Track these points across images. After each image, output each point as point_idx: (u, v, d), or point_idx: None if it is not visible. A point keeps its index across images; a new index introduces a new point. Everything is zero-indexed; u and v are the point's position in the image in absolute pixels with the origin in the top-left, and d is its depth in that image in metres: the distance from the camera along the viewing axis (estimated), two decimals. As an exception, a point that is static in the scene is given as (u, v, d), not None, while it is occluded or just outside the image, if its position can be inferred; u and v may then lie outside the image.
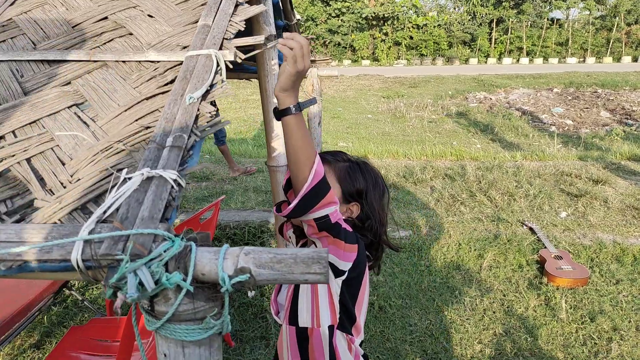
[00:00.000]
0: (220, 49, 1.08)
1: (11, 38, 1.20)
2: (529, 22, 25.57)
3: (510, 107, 11.72)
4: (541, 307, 3.27)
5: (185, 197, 5.31)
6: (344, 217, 1.38)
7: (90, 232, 0.70)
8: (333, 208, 1.14)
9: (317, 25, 25.91)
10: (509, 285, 3.55)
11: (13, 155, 0.88)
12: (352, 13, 25.73)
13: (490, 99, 12.92)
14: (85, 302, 3.26)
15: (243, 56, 1.09)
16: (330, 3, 26.26)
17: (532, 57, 24.72)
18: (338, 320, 1.33)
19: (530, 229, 4.37)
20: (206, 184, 5.84)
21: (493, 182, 5.50)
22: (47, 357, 2.29)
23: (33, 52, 1.13)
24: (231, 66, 1.07)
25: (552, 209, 4.88)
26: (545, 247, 3.94)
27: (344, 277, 1.28)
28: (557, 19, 26.35)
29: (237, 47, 1.11)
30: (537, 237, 4.17)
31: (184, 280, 0.69)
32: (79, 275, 0.70)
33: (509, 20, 25.48)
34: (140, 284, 0.67)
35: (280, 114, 1.09)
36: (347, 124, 10.04)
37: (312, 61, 3.57)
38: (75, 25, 1.24)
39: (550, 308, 3.24)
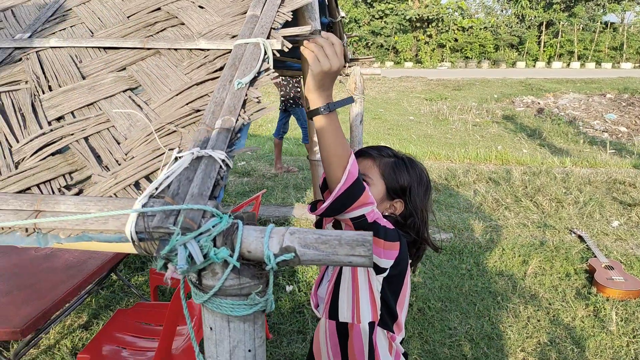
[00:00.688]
0: (268, 38, 1.09)
1: (71, 26, 1.26)
2: (581, 26, 24.57)
3: (560, 112, 11.29)
4: (589, 317, 3.13)
5: (226, 191, 5.42)
6: (386, 214, 1.37)
7: (144, 206, 0.73)
8: (369, 208, 1.12)
9: (360, 27, 25.88)
10: (555, 293, 3.42)
11: (72, 134, 0.92)
12: (396, 15, 25.52)
13: (539, 103, 12.49)
14: (130, 288, 3.38)
15: (289, 45, 1.10)
16: (374, 5, 26.16)
17: (584, 61, 23.76)
18: (379, 317, 1.32)
19: (580, 237, 4.19)
20: (247, 179, 5.93)
21: (540, 188, 5.32)
22: (95, 337, 2.39)
23: (91, 39, 1.19)
24: (278, 55, 1.08)
25: (603, 218, 4.66)
26: (595, 257, 3.77)
27: (385, 274, 1.26)
28: (612, 23, 25.19)
29: (284, 37, 1.12)
30: (587, 245, 4.00)
31: (231, 255, 0.70)
32: (131, 247, 0.73)
33: (559, 23, 24.58)
34: (190, 257, 0.68)
35: (310, 113, 1.08)
36: (388, 126, 9.96)
37: (355, 59, 3.56)
38: (130, 16, 1.29)
39: (599, 319, 3.10)
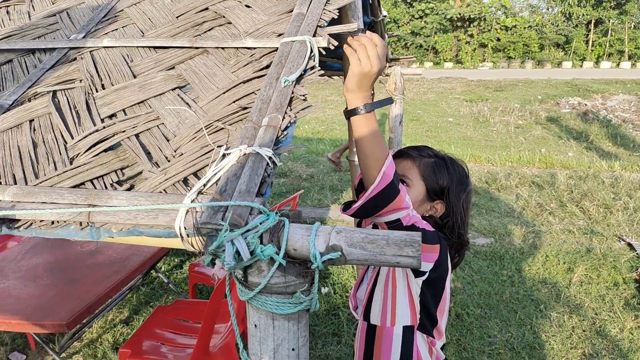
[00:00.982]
0: (314, 35, 1.09)
1: (122, 27, 1.30)
2: (633, 24, 23.45)
3: (609, 114, 10.81)
4: (639, 330, 2.97)
5: (264, 192, 5.48)
6: (427, 215, 1.34)
7: (193, 202, 0.73)
8: (404, 212, 1.09)
9: (399, 27, 25.61)
10: (601, 303, 3.27)
11: (123, 131, 0.95)
12: (436, 14, 25.11)
13: (586, 104, 12.00)
14: (170, 285, 3.46)
15: (336, 43, 1.09)
16: (414, 4, 25.84)
17: (635, 61, 22.65)
18: (418, 321, 1.29)
19: (629, 244, 3.99)
20: (284, 180, 5.98)
21: (587, 193, 5.10)
22: (135, 332, 2.45)
23: (141, 39, 1.22)
24: (324, 52, 1.07)
25: (655, 225, 4.43)
26: (647, 266, 3.58)
27: (424, 278, 1.24)
28: (667, 20, 23.92)
29: (330, 35, 1.12)
30: (637, 253, 3.81)
31: (277, 253, 0.70)
32: (180, 242, 0.74)
33: (609, 21, 23.54)
34: (237, 253, 0.69)
35: (347, 114, 1.06)
36: (426, 127, 9.82)
37: (395, 59, 3.52)
38: (179, 16, 1.32)
39: (651, 332, 2.94)
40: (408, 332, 1.28)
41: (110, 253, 2.84)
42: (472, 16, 24.43)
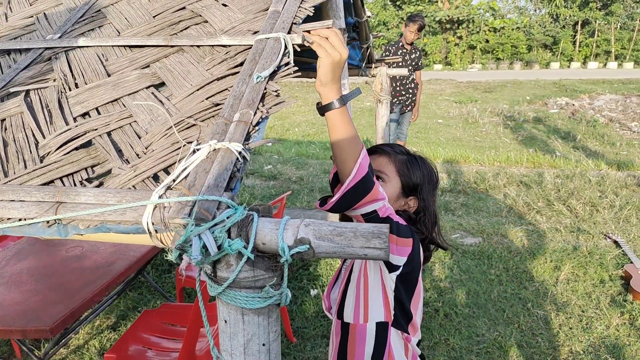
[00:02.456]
0: (289, 33, 1.09)
1: (99, 27, 1.30)
2: (619, 24, 23.75)
3: (596, 113, 10.92)
4: (625, 326, 3.00)
5: (253, 194, 5.46)
6: (401, 210, 1.35)
7: (160, 197, 0.73)
8: (380, 204, 1.10)
9: (388, 29, 25.73)
10: (588, 300, 3.29)
11: (95, 129, 0.94)
12: (425, 16, 25.24)
13: (573, 104, 12.12)
14: (157, 289, 3.44)
15: (310, 40, 1.09)
16: (403, 7, 25.98)
17: (622, 61, 22.94)
18: (393, 317, 1.29)
19: (615, 242, 4.03)
20: (273, 183, 5.97)
21: (574, 191, 5.15)
22: (122, 337, 2.43)
23: (117, 38, 1.21)
24: (299, 49, 1.08)
25: (640, 222, 4.47)
26: (632, 262, 3.62)
27: (398, 272, 1.24)
28: (652, 21, 24.23)
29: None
30: (623, 251, 3.84)
31: (245, 247, 0.69)
32: (148, 238, 0.73)
33: (595, 22, 23.82)
34: (204, 248, 0.68)
35: (323, 109, 1.06)
36: (416, 129, 9.85)
37: (381, 60, 3.54)
38: (156, 15, 1.31)
39: (636, 328, 2.96)
40: (381, 328, 1.27)
41: (96, 258, 2.81)
42: (460, 18, 24.63)
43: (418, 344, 1.37)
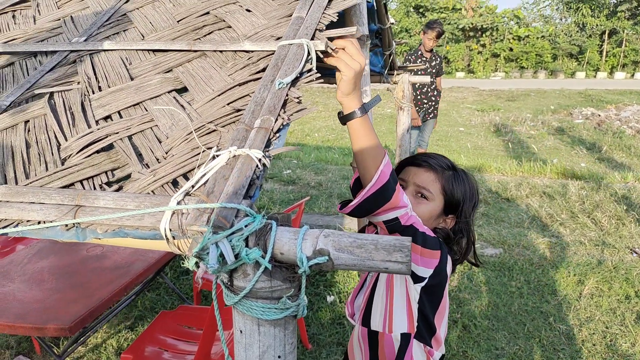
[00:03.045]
0: (312, 39, 1.08)
1: (123, 30, 1.31)
2: (648, 34, 23.20)
3: (622, 124, 10.65)
4: (652, 345, 2.89)
5: (271, 199, 5.47)
6: (439, 227, 1.31)
7: (179, 204, 0.72)
8: (402, 211, 1.08)
9: (411, 36, 25.63)
10: (612, 317, 3.19)
11: (117, 133, 0.94)
12: (449, 24, 25.09)
13: (599, 115, 11.85)
14: (175, 291, 3.46)
15: (333, 46, 1.08)
16: (426, 14, 25.86)
17: (650, 71, 22.39)
18: (416, 329, 1.26)
19: (642, 257, 3.90)
20: (292, 187, 5.97)
21: (599, 204, 5.01)
22: (138, 337, 2.44)
23: (141, 42, 1.22)
24: (322, 55, 1.06)
25: (669, 237, 4.33)
26: (660, 279, 3.49)
27: (423, 284, 1.21)
28: (683, 30, 23.61)
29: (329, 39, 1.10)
30: (650, 266, 3.72)
31: (263, 257, 0.68)
32: (166, 244, 0.72)
33: (623, 31, 23.31)
34: (221, 256, 0.67)
35: (345, 118, 1.06)
36: (437, 137, 9.75)
37: (403, 67, 3.51)
38: (180, 20, 1.32)
39: (664, 347, 2.86)
40: (404, 339, 1.25)
41: (115, 258, 2.84)
42: (484, 26, 24.38)
43: (442, 359, 1.34)
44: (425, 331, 1.26)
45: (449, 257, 1.26)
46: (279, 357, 0.73)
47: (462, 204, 1.30)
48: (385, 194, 1.04)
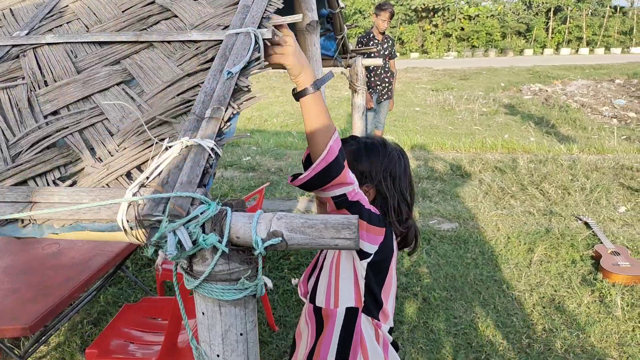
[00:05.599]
0: (259, 27, 1.10)
1: (67, 23, 1.28)
2: (590, 11, 24.19)
3: (568, 99, 11.17)
4: (595, 304, 3.12)
5: (232, 186, 5.45)
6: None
7: (134, 195, 0.74)
8: (350, 188, 1.13)
9: (365, 18, 25.68)
10: (560, 280, 3.41)
11: (67, 127, 0.94)
12: (401, 5, 25.29)
13: (546, 90, 12.36)
14: (138, 284, 3.42)
15: (280, 34, 1.10)
16: (379, -4, 25.91)
17: (593, 47, 23.42)
18: (363, 304, 1.32)
19: (586, 223, 4.17)
20: (252, 174, 5.96)
21: (546, 176, 5.28)
22: (102, 332, 2.42)
23: (86, 34, 1.20)
24: (269, 44, 1.09)
25: (609, 204, 4.63)
26: (601, 243, 3.75)
27: (369, 260, 1.26)
28: (621, 7, 24.74)
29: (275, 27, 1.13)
30: (593, 232, 3.97)
31: (220, 241, 0.71)
32: (124, 235, 0.74)
33: (567, 9, 24.21)
34: (179, 243, 0.70)
35: (298, 95, 1.10)
36: (393, 117, 9.92)
37: (355, 51, 3.55)
38: (125, 10, 1.30)
39: (605, 305, 3.09)
40: (351, 313, 1.30)
41: (73, 254, 2.78)
42: (436, 6, 24.73)
43: (390, 332, 1.41)
44: (372, 305, 1.32)
45: (393, 234, 1.33)
46: (241, 334, 0.77)
47: (371, 174, 1.34)
48: (334, 170, 1.08)
